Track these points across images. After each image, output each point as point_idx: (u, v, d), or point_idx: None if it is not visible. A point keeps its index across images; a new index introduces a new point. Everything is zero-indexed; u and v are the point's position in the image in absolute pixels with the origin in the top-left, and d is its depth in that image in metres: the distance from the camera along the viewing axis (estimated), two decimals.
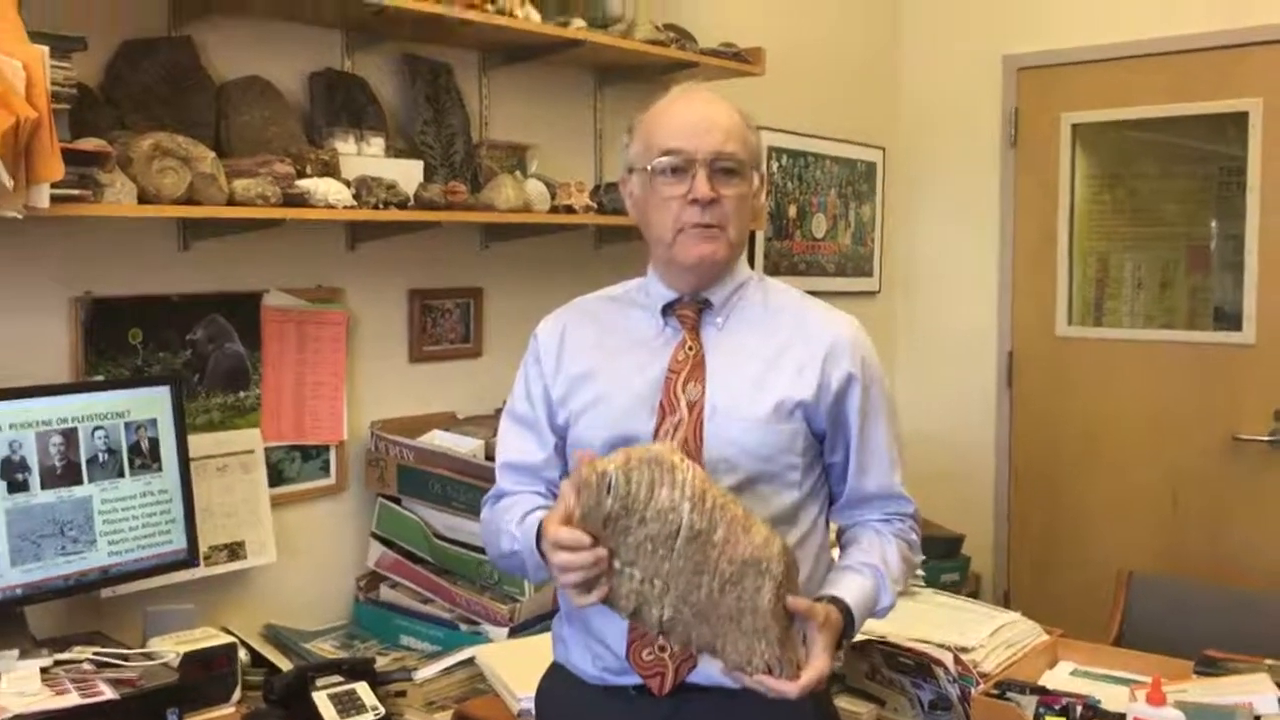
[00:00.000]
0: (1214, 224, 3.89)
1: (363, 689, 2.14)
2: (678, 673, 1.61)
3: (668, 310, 1.71)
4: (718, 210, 1.62)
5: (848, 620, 1.56)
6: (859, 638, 2.17)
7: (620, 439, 1.61)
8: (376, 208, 2.35)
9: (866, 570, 1.63)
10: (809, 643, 1.50)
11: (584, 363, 1.72)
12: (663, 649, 1.61)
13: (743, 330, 1.70)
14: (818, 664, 1.49)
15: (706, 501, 1.44)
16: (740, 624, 1.46)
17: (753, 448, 1.61)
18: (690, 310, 1.69)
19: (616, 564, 1.46)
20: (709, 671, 1.60)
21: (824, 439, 1.69)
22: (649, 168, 1.65)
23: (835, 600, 1.57)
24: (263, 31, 2.46)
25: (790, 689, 1.47)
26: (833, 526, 1.79)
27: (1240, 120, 3.73)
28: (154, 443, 2.11)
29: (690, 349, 1.66)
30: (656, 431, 1.62)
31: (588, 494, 1.43)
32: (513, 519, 1.67)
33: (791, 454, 1.65)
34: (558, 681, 1.77)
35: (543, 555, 1.56)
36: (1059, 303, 4.11)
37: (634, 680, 1.64)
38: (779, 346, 1.68)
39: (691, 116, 1.63)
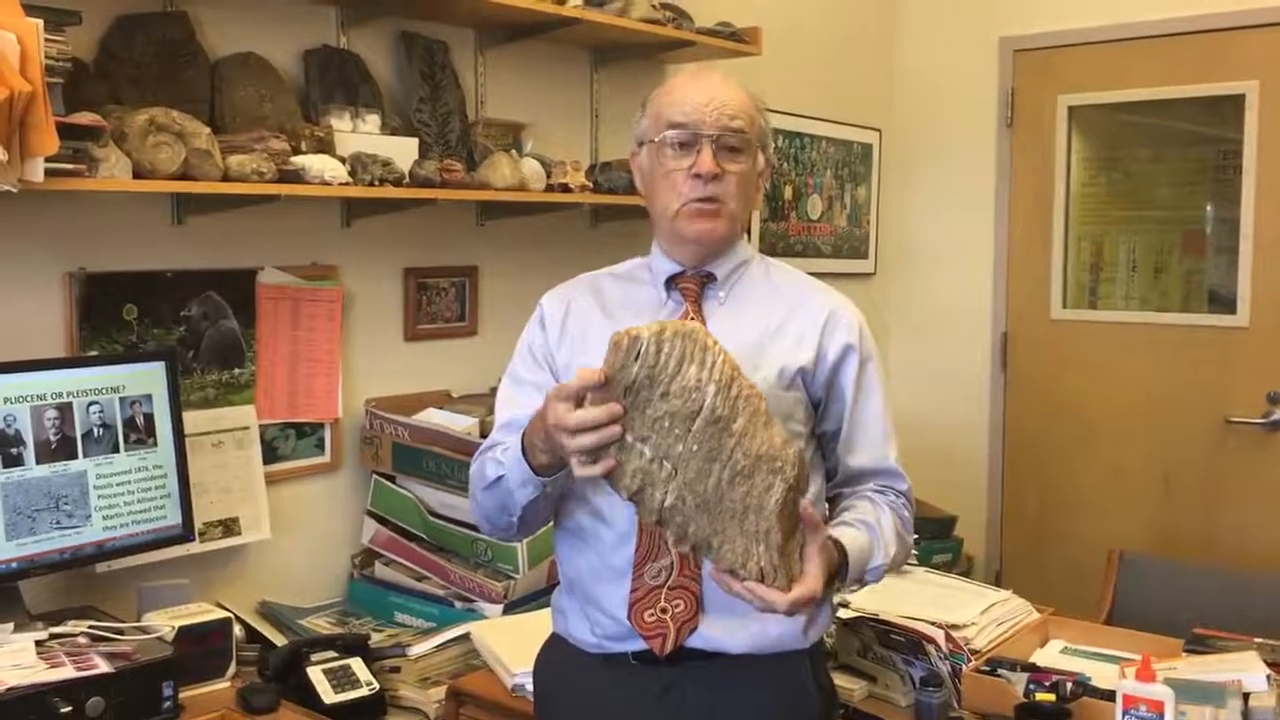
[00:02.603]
0: (1209, 207, 3.89)
1: (357, 664, 2.15)
2: (679, 633, 1.62)
3: (671, 283, 1.72)
4: (721, 185, 1.65)
5: (841, 562, 1.55)
6: (850, 614, 2.19)
7: None
8: (371, 184, 2.35)
9: (862, 527, 1.63)
10: (805, 560, 1.47)
11: (587, 331, 1.73)
12: (664, 611, 1.62)
13: (744, 304, 1.71)
14: (811, 582, 1.45)
15: (733, 389, 1.40)
16: (743, 523, 1.42)
17: None
18: (693, 283, 1.71)
19: (629, 438, 1.41)
20: (710, 635, 1.62)
21: (819, 407, 1.71)
22: (656, 140, 1.68)
23: (831, 539, 1.55)
24: (257, 7, 2.45)
25: (780, 600, 1.43)
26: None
27: (1237, 103, 3.73)
28: (149, 418, 2.11)
29: (692, 320, 1.68)
30: None
31: (616, 356, 1.39)
32: (499, 451, 1.66)
33: (793, 421, 1.66)
34: (556, 653, 1.78)
35: (531, 466, 1.55)
36: (1054, 285, 4.12)
37: (634, 647, 1.64)
38: (779, 320, 1.70)
39: (701, 93, 1.66)
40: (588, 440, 1.40)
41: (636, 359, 1.39)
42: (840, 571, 1.56)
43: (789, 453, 1.42)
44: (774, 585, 1.43)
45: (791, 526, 1.46)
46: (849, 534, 1.60)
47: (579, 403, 1.42)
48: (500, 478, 1.63)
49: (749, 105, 1.69)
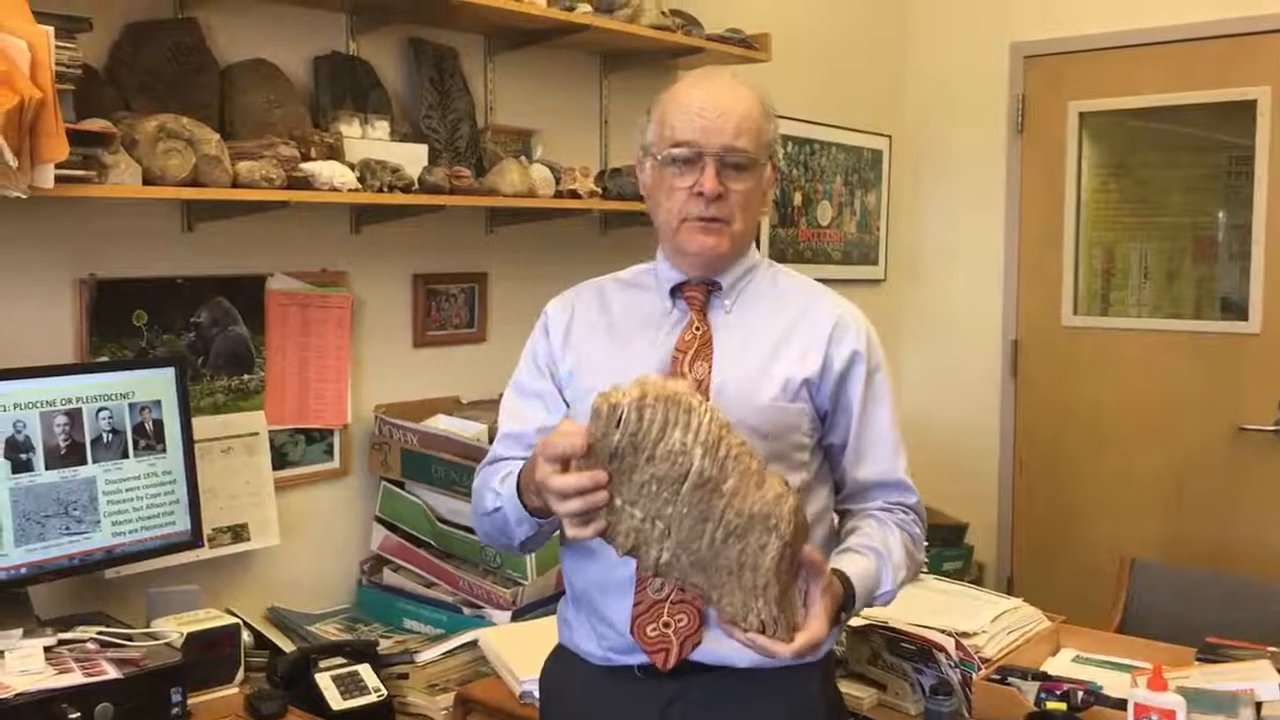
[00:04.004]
0: (1221, 213, 3.88)
1: (365, 671, 2.15)
2: (682, 648, 1.61)
3: (676, 291, 1.71)
4: (724, 205, 1.62)
5: (847, 596, 1.53)
6: (860, 622, 2.18)
7: None
8: (381, 191, 2.35)
9: (869, 553, 1.61)
10: (808, 604, 1.45)
11: (592, 342, 1.72)
12: (667, 625, 1.61)
13: (750, 313, 1.70)
14: (814, 627, 1.44)
15: (720, 449, 1.37)
16: (740, 579, 1.40)
17: (759, 426, 1.60)
18: (698, 292, 1.70)
19: (618, 501, 1.39)
20: (714, 650, 1.60)
21: (825, 419, 1.69)
22: (659, 156, 1.65)
23: (836, 572, 1.54)
24: (268, 14, 2.45)
25: (783, 650, 1.42)
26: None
27: (1248, 109, 3.72)
28: (158, 424, 2.11)
29: (698, 329, 1.67)
30: None
31: (596, 424, 1.37)
32: (499, 478, 1.66)
33: (798, 434, 1.64)
34: (562, 664, 1.77)
35: (526, 506, 1.56)
36: (1065, 292, 4.10)
37: (639, 659, 1.63)
38: (785, 328, 1.68)
39: (705, 108, 1.61)
40: (574, 505, 1.39)
41: (618, 426, 1.37)
42: (847, 604, 1.53)
43: (783, 509, 1.39)
44: (775, 637, 1.42)
45: (791, 577, 1.43)
46: (854, 563, 1.57)
47: (566, 465, 1.40)
48: (498, 509, 1.64)
49: (756, 116, 1.64)
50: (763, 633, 1.42)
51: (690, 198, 1.62)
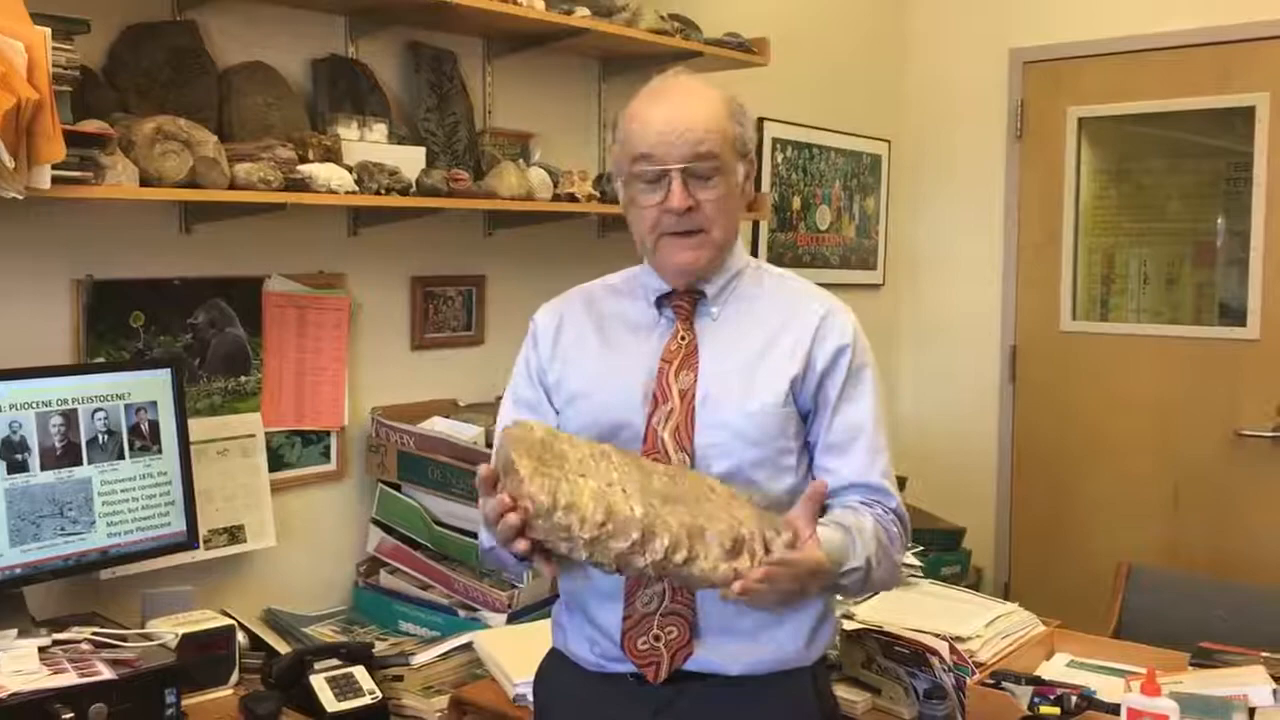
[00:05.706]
0: (1220, 219, 3.88)
1: (360, 673, 2.15)
2: (673, 661, 1.60)
3: (662, 301, 1.70)
4: (697, 216, 1.60)
5: None
6: (854, 626, 2.18)
7: (611, 427, 1.63)
8: (378, 193, 2.36)
9: (834, 525, 1.54)
10: (794, 516, 1.46)
11: (579, 351, 1.71)
12: (657, 638, 1.61)
13: (737, 319, 1.68)
14: (810, 541, 1.44)
15: None
16: (711, 499, 1.46)
17: (745, 432, 1.60)
18: (685, 301, 1.69)
19: (570, 476, 1.41)
20: (707, 658, 1.60)
21: (808, 417, 1.66)
22: (626, 176, 1.64)
23: None
24: (266, 17, 2.46)
25: (804, 556, 1.40)
26: None
27: (1247, 115, 3.72)
28: (154, 425, 2.11)
29: (683, 339, 1.66)
30: (649, 420, 1.62)
31: (513, 439, 1.44)
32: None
33: (784, 438, 1.63)
34: (556, 667, 1.77)
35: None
36: (1063, 297, 4.10)
37: (632, 668, 1.63)
38: (772, 332, 1.66)
39: (664, 120, 1.58)
40: (507, 524, 1.39)
41: (530, 431, 1.47)
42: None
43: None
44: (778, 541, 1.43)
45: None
46: (819, 532, 1.50)
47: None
48: (493, 547, 1.61)
49: (718, 118, 1.60)
50: (766, 545, 1.43)
51: (662, 213, 1.60)
